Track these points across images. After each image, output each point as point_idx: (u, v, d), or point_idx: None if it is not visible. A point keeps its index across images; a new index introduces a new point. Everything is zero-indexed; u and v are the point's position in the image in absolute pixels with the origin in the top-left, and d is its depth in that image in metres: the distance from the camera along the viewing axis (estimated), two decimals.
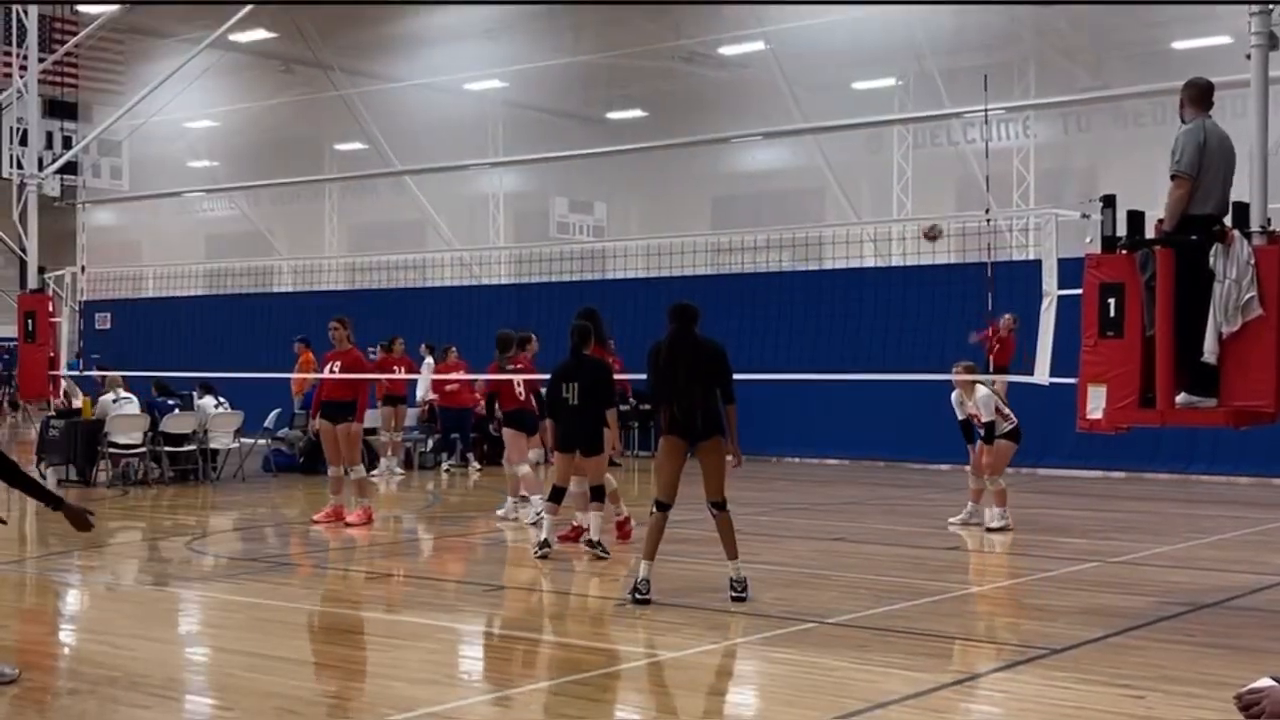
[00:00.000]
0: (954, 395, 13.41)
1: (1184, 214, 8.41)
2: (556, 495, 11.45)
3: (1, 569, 11.26)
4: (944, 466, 19.97)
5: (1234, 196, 8.68)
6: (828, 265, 21.75)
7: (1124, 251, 8.62)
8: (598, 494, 11.49)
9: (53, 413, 18.34)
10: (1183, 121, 8.69)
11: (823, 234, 22.47)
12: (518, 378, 13.70)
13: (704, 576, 10.57)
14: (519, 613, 9.54)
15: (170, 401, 18.83)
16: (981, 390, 13.17)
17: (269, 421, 20.31)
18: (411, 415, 20.68)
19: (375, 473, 19.66)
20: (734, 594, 9.32)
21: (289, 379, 20.50)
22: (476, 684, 7.55)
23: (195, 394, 18.95)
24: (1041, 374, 12.01)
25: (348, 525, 13.50)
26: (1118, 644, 7.99)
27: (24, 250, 18.41)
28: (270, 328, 23.25)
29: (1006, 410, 13.32)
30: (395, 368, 18.95)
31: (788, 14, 24.24)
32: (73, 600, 10.39)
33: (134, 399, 18.19)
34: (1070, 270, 10.72)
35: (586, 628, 9.04)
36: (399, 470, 19.86)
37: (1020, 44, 24.49)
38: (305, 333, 20.68)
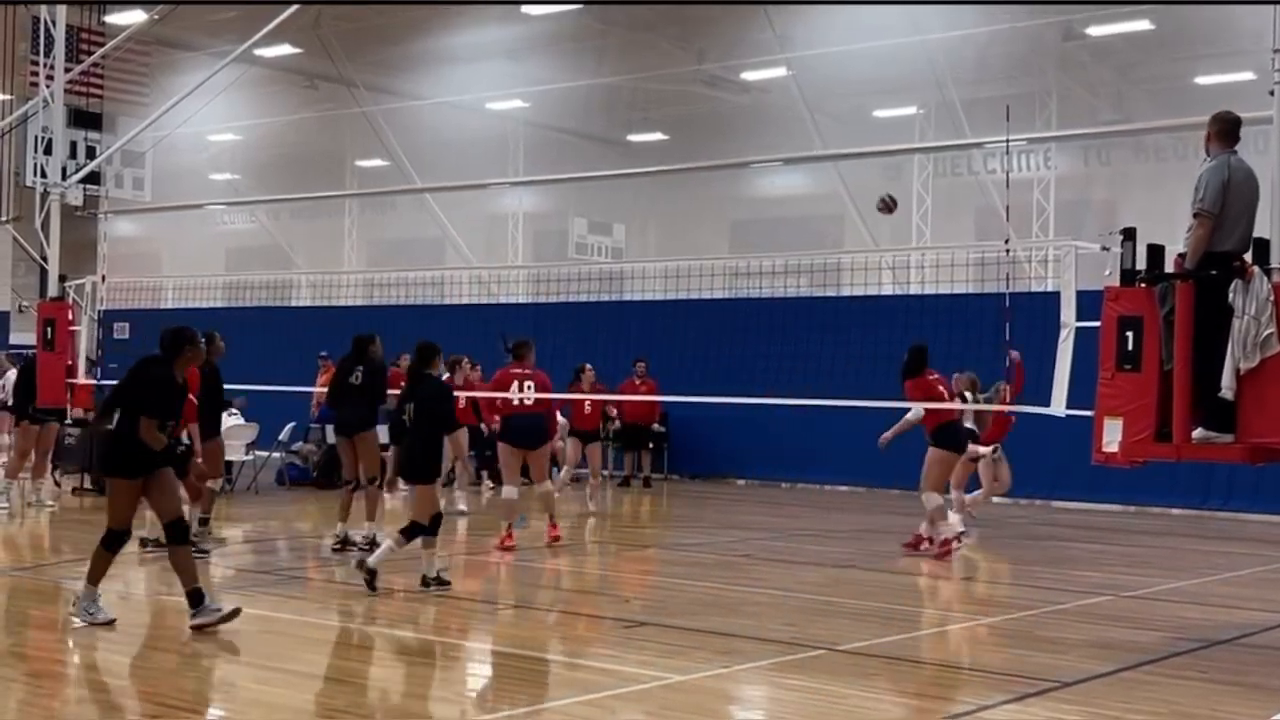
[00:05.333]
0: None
1: (1206, 251, 8.39)
2: None
3: (13, 576, 11.29)
4: (953, 495, 19.90)
5: (1255, 233, 8.66)
6: (845, 292, 21.75)
7: (1143, 285, 8.60)
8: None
9: (69, 420, 18.39)
10: (1208, 156, 8.66)
11: (841, 260, 22.48)
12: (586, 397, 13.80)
13: (715, 599, 10.56)
14: (528, 631, 9.53)
15: None
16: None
17: (284, 435, 20.33)
18: None
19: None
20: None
21: (298, 392, 20.47)
22: (484, 703, 7.54)
23: None
24: (1058, 406, 11.99)
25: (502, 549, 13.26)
26: (1129, 679, 7.95)
27: (45, 258, 18.49)
28: (287, 341, 23.30)
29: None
30: (401, 384, 18.94)
31: (811, 40, 24.32)
32: None
33: None
34: (1089, 302, 10.70)
35: (595, 648, 9.02)
36: (405, 486, 19.84)
37: (1042, 76, 24.53)
38: (323, 348, 20.70)
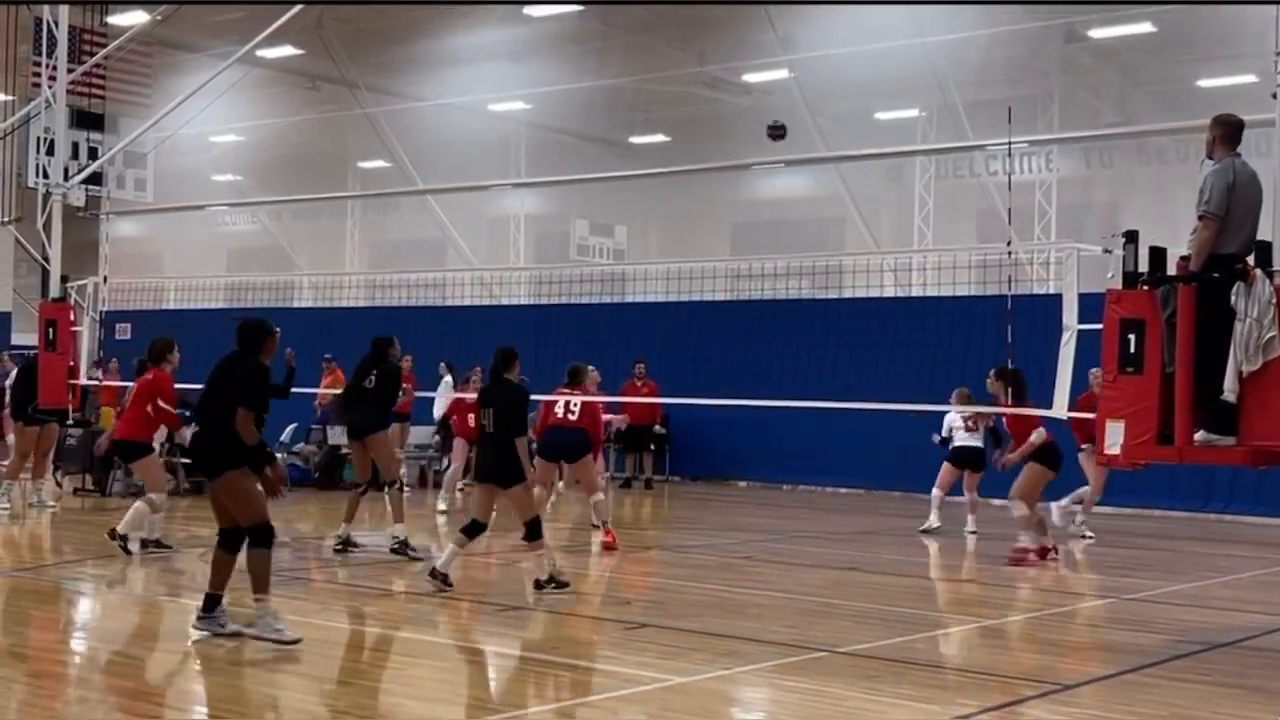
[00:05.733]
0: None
1: (1211, 253, 8.38)
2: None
3: (16, 576, 11.29)
4: (959, 499, 19.90)
5: (1257, 236, 8.65)
6: (847, 294, 21.74)
7: (1145, 287, 8.60)
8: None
9: (70, 421, 18.41)
10: (1210, 159, 8.65)
11: (843, 262, 22.48)
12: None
13: (716, 601, 10.55)
14: (530, 633, 9.53)
15: (187, 414, 18.88)
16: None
17: (285, 436, 20.33)
18: (426, 433, 20.68)
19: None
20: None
21: (300, 393, 20.46)
22: (486, 704, 7.54)
23: None
24: (1060, 408, 11.98)
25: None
26: (1130, 681, 7.95)
27: (47, 259, 18.49)
28: (289, 342, 23.22)
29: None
30: (403, 386, 19.00)
31: (813, 42, 24.32)
32: (85, 608, 10.41)
33: None
34: (1091, 305, 10.70)
35: (597, 650, 9.02)
36: (409, 489, 19.88)
37: (1045, 78, 24.52)
38: (325, 350, 20.71)
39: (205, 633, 8.46)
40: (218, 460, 8.51)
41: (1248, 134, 8.74)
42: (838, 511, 18.92)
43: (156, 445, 18.02)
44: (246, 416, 8.39)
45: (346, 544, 12.84)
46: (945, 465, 16.04)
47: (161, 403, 12.61)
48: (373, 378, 13.13)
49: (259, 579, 8.40)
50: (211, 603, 8.51)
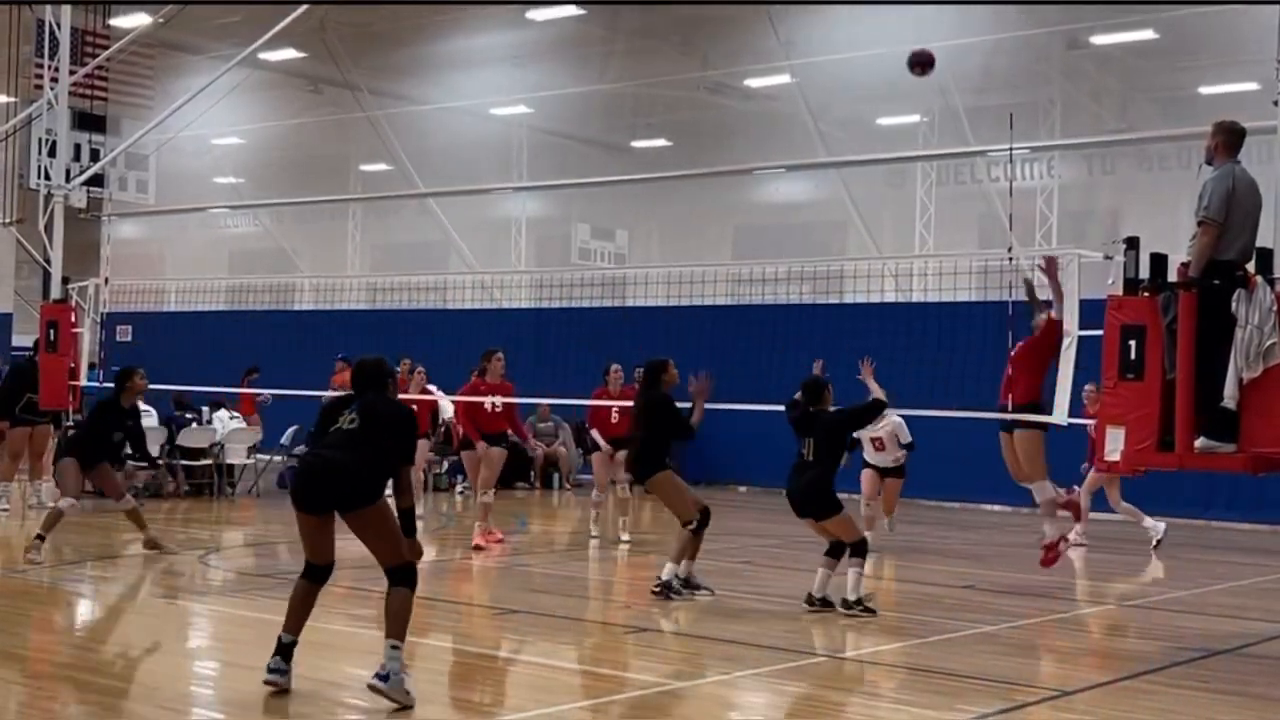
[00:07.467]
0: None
1: (1210, 260, 8.39)
2: None
3: (15, 578, 11.29)
4: (955, 505, 19.92)
5: (1258, 242, 8.66)
6: (848, 299, 21.74)
7: (1146, 294, 8.61)
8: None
9: (69, 422, 18.41)
10: (1208, 164, 8.66)
11: (844, 267, 22.47)
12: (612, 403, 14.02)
13: (717, 606, 10.55)
14: (529, 637, 9.52)
15: (188, 416, 18.93)
16: (895, 417, 14.48)
17: (286, 438, 20.32)
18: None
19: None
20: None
21: (299, 395, 20.47)
22: (485, 707, 7.53)
23: (206, 410, 19.10)
24: (1060, 414, 11.97)
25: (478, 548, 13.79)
26: (1129, 688, 7.95)
27: (48, 260, 18.49)
28: (289, 345, 23.28)
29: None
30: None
31: (814, 47, 24.33)
32: (85, 611, 10.41)
33: (153, 412, 18.27)
34: (1092, 311, 10.70)
35: (597, 654, 9.02)
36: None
37: (1046, 84, 24.53)
38: (326, 352, 20.72)
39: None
40: (372, 491, 7.65)
41: (1249, 141, 8.74)
42: None
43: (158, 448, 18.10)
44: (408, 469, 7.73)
45: (688, 584, 11.26)
46: (867, 473, 15.22)
47: None
48: (641, 409, 11.87)
49: (405, 625, 7.36)
50: (290, 651, 7.38)
